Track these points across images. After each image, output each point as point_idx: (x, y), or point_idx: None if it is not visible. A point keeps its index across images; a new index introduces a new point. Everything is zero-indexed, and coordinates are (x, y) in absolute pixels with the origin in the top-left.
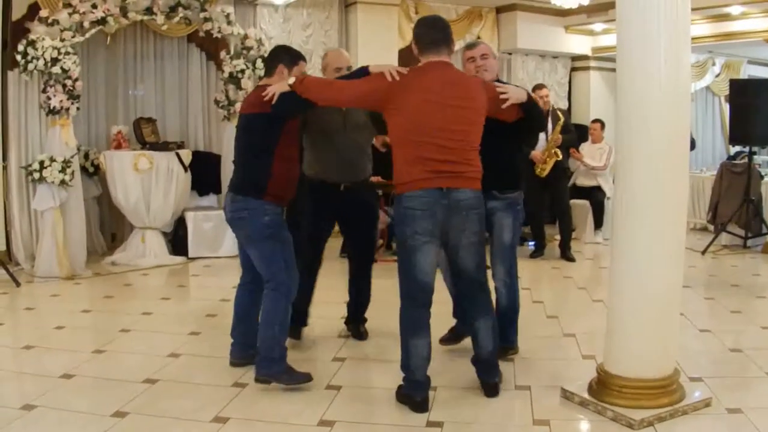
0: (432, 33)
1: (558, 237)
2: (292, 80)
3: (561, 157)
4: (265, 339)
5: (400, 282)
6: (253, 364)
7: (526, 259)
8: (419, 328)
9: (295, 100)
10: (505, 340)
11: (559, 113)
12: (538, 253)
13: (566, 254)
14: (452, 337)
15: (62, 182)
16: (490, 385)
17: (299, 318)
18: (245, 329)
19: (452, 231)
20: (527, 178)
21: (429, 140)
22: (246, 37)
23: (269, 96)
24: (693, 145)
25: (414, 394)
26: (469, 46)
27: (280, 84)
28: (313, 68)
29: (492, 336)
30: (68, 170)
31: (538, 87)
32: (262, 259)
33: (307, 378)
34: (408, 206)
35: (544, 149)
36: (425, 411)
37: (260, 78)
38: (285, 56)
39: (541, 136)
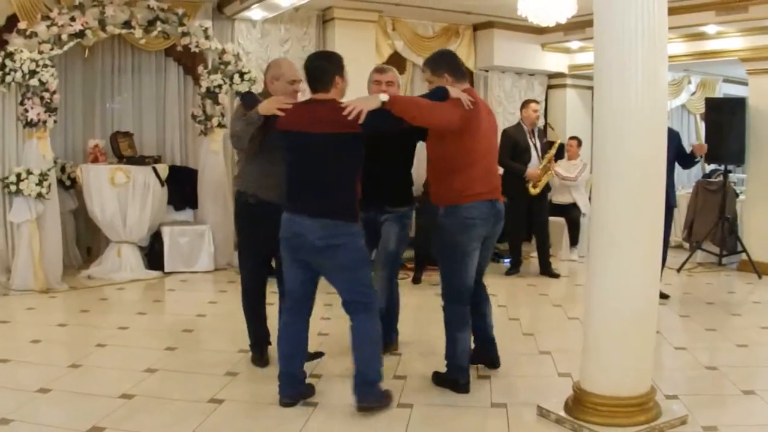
0: (461, 65)
1: (533, 254)
2: (385, 97)
3: (560, 176)
4: (370, 363)
5: (449, 285)
6: (302, 398)
7: (501, 276)
8: (465, 323)
9: (387, 119)
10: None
11: (554, 137)
12: (513, 270)
13: (548, 271)
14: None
15: (39, 195)
16: (496, 356)
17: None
18: (299, 364)
19: (490, 237)
20: (512, 195)
21: (491, 159)
22: (224, 52)
23: (354, 114)
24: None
25: (460, 377)
26: (380, 71)
27: (364, 100)
28: None
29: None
30: (45, 183)
31: (529, 102)
32: (356, 284)
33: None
34: (468, 216)
35: (539, 167)
36: (468, 392)
37: (312, 93)
38: (340, 68)
39: (533, 154)
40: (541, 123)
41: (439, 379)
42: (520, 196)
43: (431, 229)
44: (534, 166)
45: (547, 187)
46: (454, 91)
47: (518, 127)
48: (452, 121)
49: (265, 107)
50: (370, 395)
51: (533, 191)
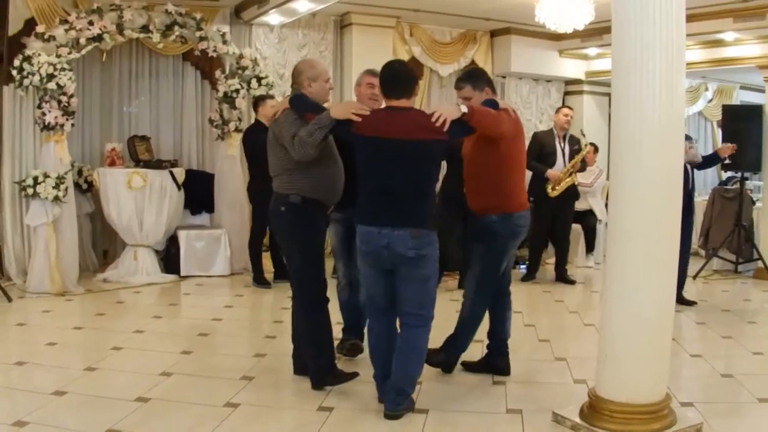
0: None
1: (548, 261)
2: (465, 108)
3: (576, 182)
4: (411, 375)
5: (487, 284)
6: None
7: (516, 282)
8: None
9: (465, 128)
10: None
11: (582, 143)
12: (530, 276)
13: (564, 277)
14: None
15: (56, 198)
16: (508, 364)
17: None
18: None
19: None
20: (537, 199)
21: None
22: (241, 56)
23: (441, 121)
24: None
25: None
26: (373, 73)
27: (448, 109)
28: None
29: None
30: (62, 186)
31: (561, 107)
32: (426, 296)
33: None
34: (518, 224)
35: (563, 170)
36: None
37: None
38: (415, 78)
39: (560, 159)
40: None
41: (435, 359)
42: (545, 200)
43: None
44: (558, 170)
45: (575, 195)
46: (502, 102)
47: (549, 131)
48: (511, 129)
49: (340, 111)
50: (402, 405)
51: (552, 193)
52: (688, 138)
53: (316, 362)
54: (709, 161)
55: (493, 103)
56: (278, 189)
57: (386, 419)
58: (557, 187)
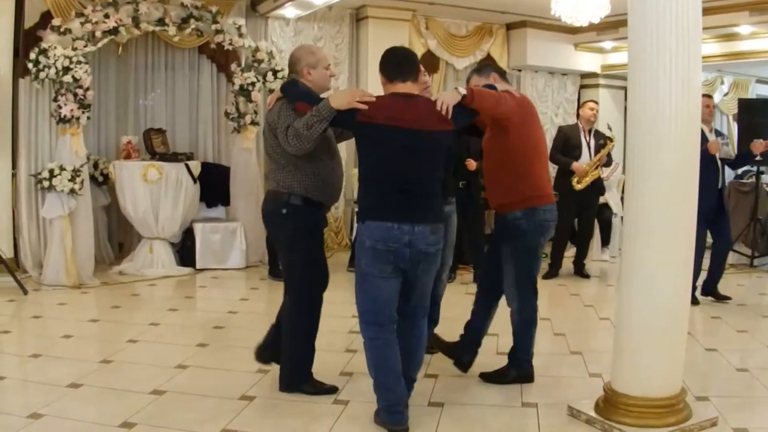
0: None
1: (567, 255)
2: (463, 91)
3: (602, 175)
4: (420, 364)
5: (526, 284)
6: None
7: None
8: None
9: (467, 113)
10: None
11: (610, 137)
12: (552, 273)
13: (581, 271)
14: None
15: (71, 191)
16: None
17: None
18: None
19: None
20: (563, 192)
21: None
22: (257, 49)
23: (444, 109)
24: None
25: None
26: None
27: (448, 95)
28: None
29: None
30: (78, 179)
31: (587, 101)
32: (429, 289)
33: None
34: (545, 219)
35: (588, 164)
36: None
37: (271, 90)
38: (417, 59)
39: (585, 153)
40: (573, 122)
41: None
42: (570, 194)
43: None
44: (583, 163)
45: (600, 189)
46: (502, 85)
47: (575, 125)
48: (513, 109)
49: (340, 100)
50: (410, 391)
51: (577, 186)
52: (720, 134)
53: (297, 365)
54: (742, 159)
55: (491, 87)
56: (276, 187)
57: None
58: (583, 181)
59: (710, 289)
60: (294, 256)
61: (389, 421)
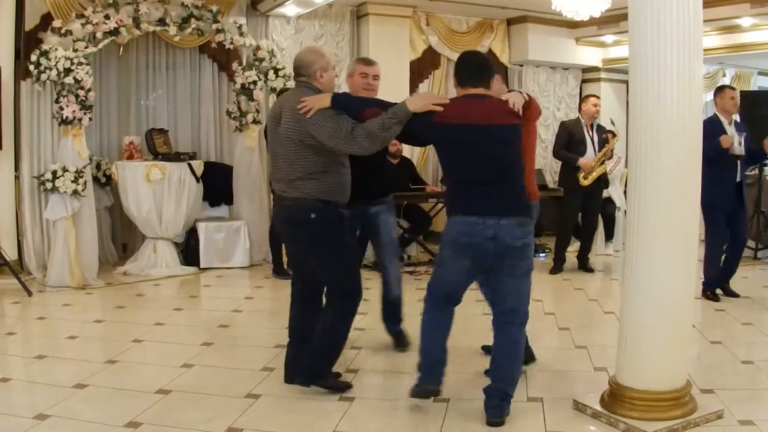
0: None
1: (571, 249)
2: (526, 95)
3: (608, 169)
4: (516, 377)
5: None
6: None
7: (543, 274)
8: None
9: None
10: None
11: (614, 131)
12: (557, 269)
13: (585, 265)
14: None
15: (74, 192)
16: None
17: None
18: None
19: None
20: (567, 187)
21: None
22: (258, 48)
23: (517, 107)
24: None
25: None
26: (367, 63)
27: (519, 96)
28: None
29: None
30: (80, 180)
31: (588, 96)
32: (526, 288)
33: None
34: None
35: (594, 159)
36: None
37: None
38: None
39: (589, 148)
40: (575, 117)
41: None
42: (575, 189)
43: None
44: (589, 159)
45: (605, 183)
46: (502, 87)
47: (577, 120)
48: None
49: (417, 104)
50: (506, 411)
51: (584, 182)
52: (741, 128)
53: (323, 362)
54: (754, 155)
55: None
56: (303, 194)
57: (490, 426)
58: (590, 176)
59: (721, 283)
60: (329, 261)
61: (422, 380)
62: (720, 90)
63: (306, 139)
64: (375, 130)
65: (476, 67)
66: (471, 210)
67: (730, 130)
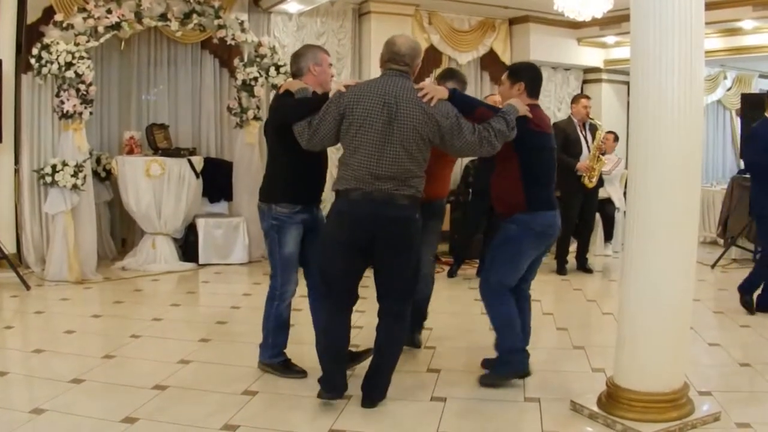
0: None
1: (569, 250)
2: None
3: (606, 163)
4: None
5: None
6: None
7: (547, 274)
8: None
9: None
10: None
11: (597, 125)
12: (562, 270)
13: (584, 266)
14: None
15: (74, 186)
16: None
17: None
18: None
19: None
20: (566, 190)
21: None
22: (260, 44)
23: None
24: None
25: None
26: (327, 52)
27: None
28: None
29: None
30: (80, 174)
31: (579, 97)
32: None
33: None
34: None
35: (588, 158)
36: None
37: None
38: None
39: (584, 148)
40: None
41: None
42: (574, 191)
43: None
44: (585, 159)
45: (599, 182)
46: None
47: (569, 120)
48: None
49: (522, 108)
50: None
51: (589, 184)
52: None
53: (386, 379)
54: None
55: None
56: (417, 193)
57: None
58: (593, 176)
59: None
60: (411, 263)
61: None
62: None
63: (429, 134)
64: (506, 130)
65: (541, 81)
66: (551, 205)
67: None
